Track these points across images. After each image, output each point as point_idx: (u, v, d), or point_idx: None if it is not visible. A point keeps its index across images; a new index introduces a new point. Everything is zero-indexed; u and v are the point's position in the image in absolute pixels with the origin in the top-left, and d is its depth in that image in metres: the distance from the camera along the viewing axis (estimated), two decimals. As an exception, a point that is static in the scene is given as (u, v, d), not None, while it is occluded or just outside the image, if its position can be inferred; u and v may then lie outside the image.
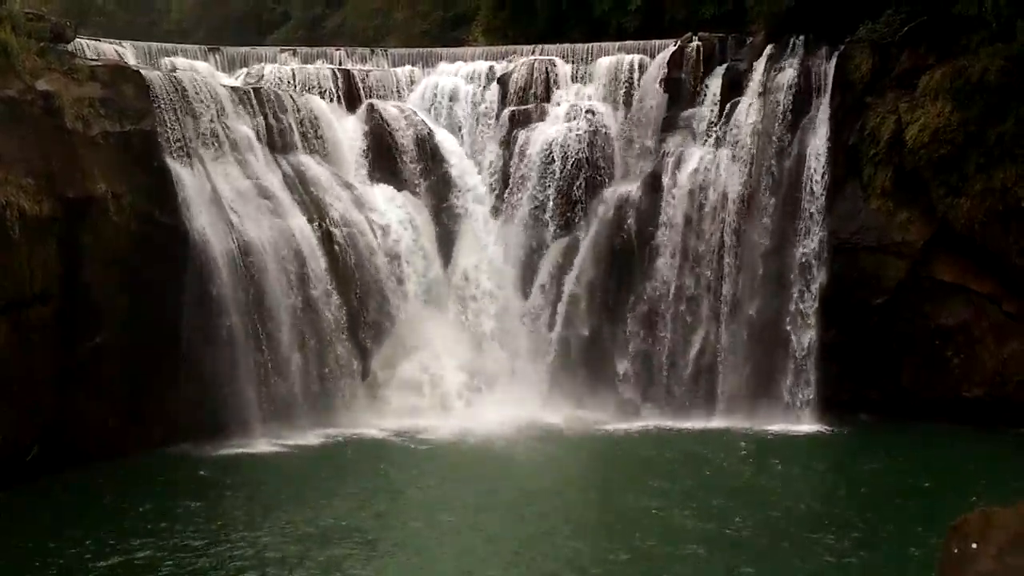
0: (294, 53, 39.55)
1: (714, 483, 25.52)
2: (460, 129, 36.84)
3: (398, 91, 37.56)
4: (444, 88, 37.50)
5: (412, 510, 24.12)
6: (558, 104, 36.06)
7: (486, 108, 36.81)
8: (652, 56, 35.67)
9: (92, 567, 20.56)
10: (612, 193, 34.30)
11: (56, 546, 21.40)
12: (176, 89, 30.29)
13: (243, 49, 39.65)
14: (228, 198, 30.21)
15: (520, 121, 35.86)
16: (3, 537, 21.95)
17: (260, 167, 31.85)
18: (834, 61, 32.20)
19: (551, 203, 34.58)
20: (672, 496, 24.48)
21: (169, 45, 38.09)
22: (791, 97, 32.31)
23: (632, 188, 34.05)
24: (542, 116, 35.84)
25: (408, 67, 38.92)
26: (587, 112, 35.17)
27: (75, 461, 26.03)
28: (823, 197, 31.54)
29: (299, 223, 31.38)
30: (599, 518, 23.67)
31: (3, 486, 24.15)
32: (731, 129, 33.27)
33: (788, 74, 32.59)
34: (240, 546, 21.49)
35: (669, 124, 34.35)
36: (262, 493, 24.94)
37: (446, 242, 34.79)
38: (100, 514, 23.41)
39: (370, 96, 36.49)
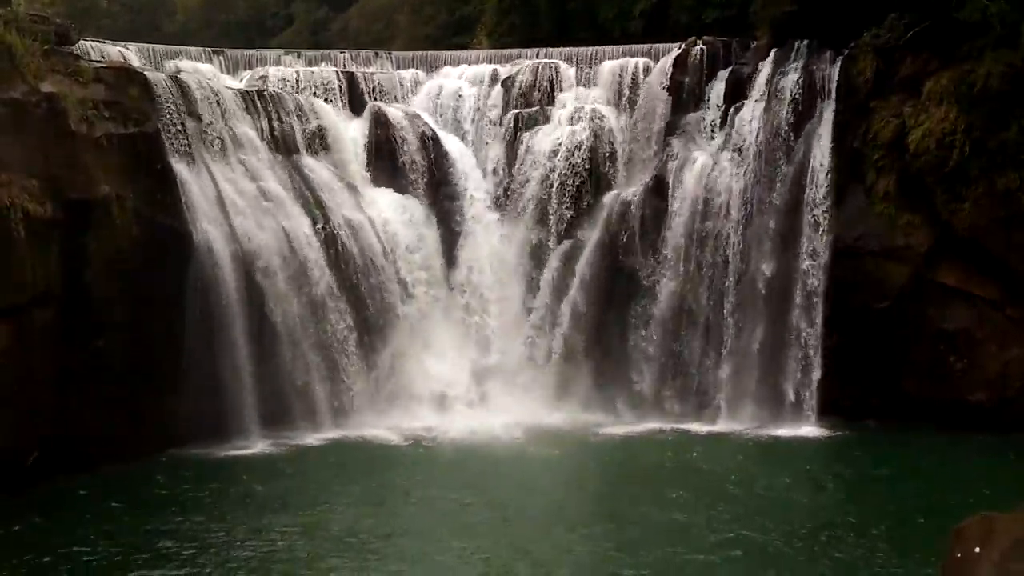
0: (298, 56, 39.53)
1: (721, 488, 25.43)
2: (464, 132, 36.88)
3: (402, 94, 37.59)
4: (448, 91, 37.54)
5: (414, 513, 24.11)
6: (562, 107, 36.07)
7: (490, 111, 36.81)
8: (656, 60, 35.66)
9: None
10: (616, 196, 34.30)
11: (53, 556, 21.34)
12: (180, 91, 30.38)
13: (247, 52, 39.70)
14: (231, 200, 30.27)
15: (524, 124, 35.88)
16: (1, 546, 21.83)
17: (264, 169, 31.92)
18: (838, 66, 32.13)
19: (555, 206, 34.58)
20: (680, 501, 24.44)
21: (173, 47, 38.02)
22: (795, 101, 32.26)
23: (636, 191, 34.02)
24: (546, 119, 35.86)
25: (412, 70, 38.93)
26: (591, 115, 35.18)
27: (75, 465, 25.90)
28: (827, 201, 31.47)
29: (302, 225, 31.44)
30: (609, 525, 23.47)
31: (3, 491, 23.98)
32: (735, 133, 33.25)
33: (792, 78, 32.53)
34: (243, 549, 21.52)
35: (673, 128, 34.31)
36: (264, 496, 24.88)
37: (450, 244, 34.79)
38: (100, 520, 23.32)
39: (374, 99, 36.49)
